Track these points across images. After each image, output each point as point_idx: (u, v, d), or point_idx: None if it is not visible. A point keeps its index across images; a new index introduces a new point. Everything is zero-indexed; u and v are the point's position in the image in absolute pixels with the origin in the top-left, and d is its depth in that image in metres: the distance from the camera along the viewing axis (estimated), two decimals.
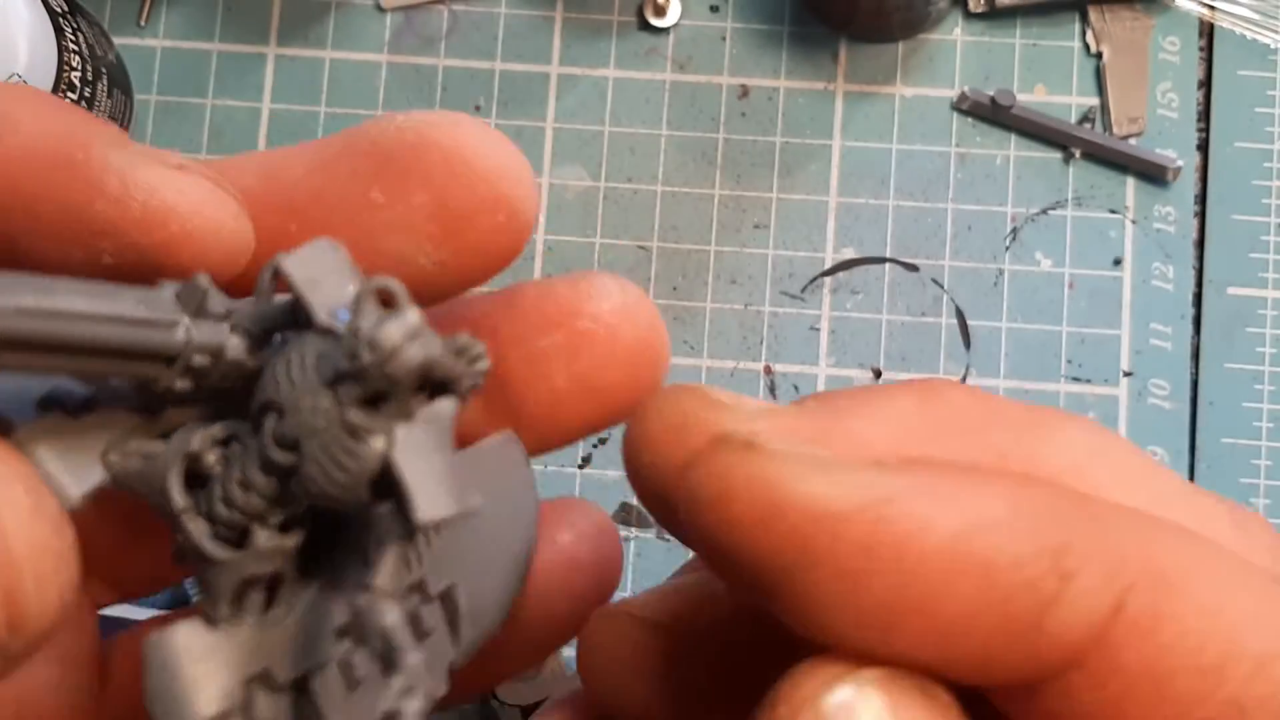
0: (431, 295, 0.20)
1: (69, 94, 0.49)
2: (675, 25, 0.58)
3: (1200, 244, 0.57)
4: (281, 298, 0.18)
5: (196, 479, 0.17)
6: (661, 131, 0.58)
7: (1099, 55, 0.58)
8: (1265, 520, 0.19)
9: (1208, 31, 0.58)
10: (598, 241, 0.57)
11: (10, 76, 0.46)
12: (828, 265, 0.57)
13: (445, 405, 0.17)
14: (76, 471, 0.17)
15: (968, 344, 0.56)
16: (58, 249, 0.18)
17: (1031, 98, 0.58)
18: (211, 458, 0.17)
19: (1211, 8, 0.57)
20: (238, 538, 0.17)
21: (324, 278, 0.17)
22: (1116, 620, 0.15)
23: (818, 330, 0.57)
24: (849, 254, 0.57)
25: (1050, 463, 0.17)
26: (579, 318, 0.21)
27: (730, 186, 0.58)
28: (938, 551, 0.15)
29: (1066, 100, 0.58)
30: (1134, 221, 0.57)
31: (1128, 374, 0.56)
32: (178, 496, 0.17)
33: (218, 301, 0.18)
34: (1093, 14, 0.58)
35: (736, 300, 0.57)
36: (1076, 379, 0.56)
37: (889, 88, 0.58)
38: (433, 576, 0.18)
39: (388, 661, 0.15)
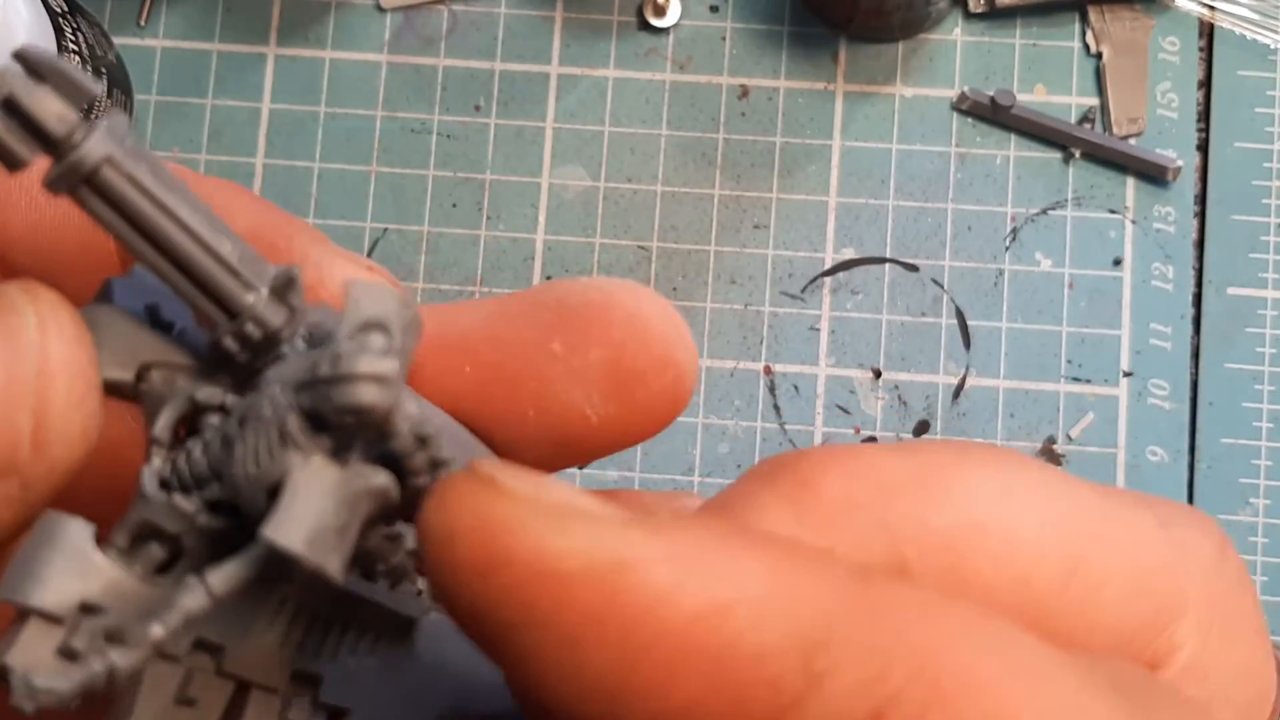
0: (589, 449, 0.21)
1: None
2: (675, 25, 0.58)
3: (1200, 244, 0.57)
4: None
5: (192, 431, 0.18)
6: (661, 131, 0.58)
7: (1099, 55, 0.58)
8: (1212, 528, 0.18)
9: (1208, 31, 0.58)
10: (597, 242, 0.57)
11: None
12: (828, 265, 0.57)
13: (378, 476, 0.16)
14: (118, 363, 0.18)
15: (968, 344, 0.56)
16: None
17: (1031, 98, 0.58)
18: (213, 419, 0.18)
19: (1211, 8, 0.57)
20: (177, 491, 0.17)
21: (372, 307, 0.17)
22: None
23: (818, 330, 0.57)
24: (849, 254, 0.57)
25: (946, 528, 0.16)
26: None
27: (730, 186, 0.58)
28: (670, 631, 0.13)
29: (1066, 100, 0.58)
30: (1134, 221, 0.57)
31: (1128, 374, 0.56)
32: (161, 426, 0.17)
33: (309, 310, 0.18)
34: (1093, 14, 0.58)
35: (736, 300, 0.57)
36: (1076, 379, 0.56)
37: (889, 88, 0.58)
38: (333, 686, 0.17)
39: (115, 632, 0.15)
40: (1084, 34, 0.58)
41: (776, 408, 0.56)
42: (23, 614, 0.16)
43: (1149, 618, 0.16)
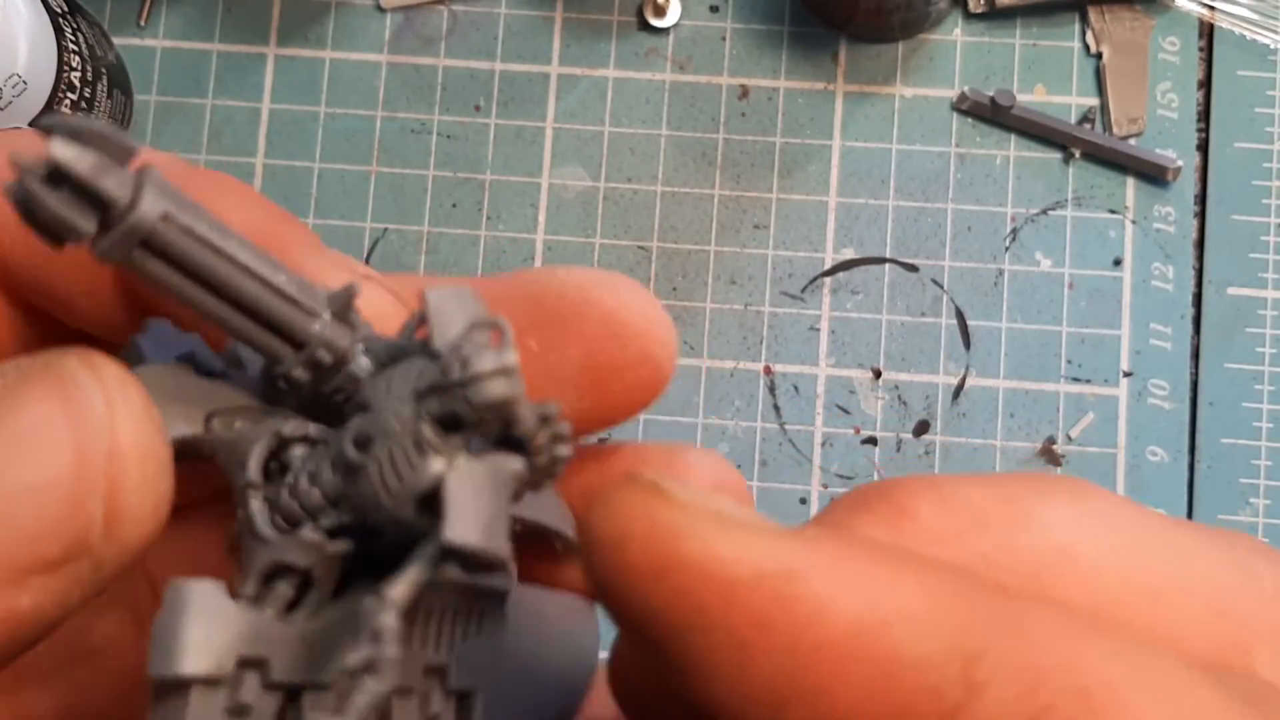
0: None
1: (69, 94, 0.49)
2: (675, 25, 0.58)
3: (1200, 244, 0.57)
4: (419, 340, 0.18)
5: (277, 467, 0.18)
6: (661, 132, 0.58)
7: (1099, 55, 0.58)
8: (1275, 555, 0.18)
9: (1208, 31, 0.58)
10: (597, 242, 0.57)
11: (10, 77, 0.46)
12: (828, 265, 0.57)
13: (513, 462, 0.17)
14: (183, 419, 0.18)
15: (967, 344, 0.56)
16: None
17: (1031, 98, 0.58)
18: (298, 451, 0.18)
19: (1211, 8, 0.57)
20: (289, 528, 0.17)
21: (456, 314, 0.17)
22: None
23: (818, 330, 0.57)
24: (849, 254, 0.57)
25: (1035, 553, 0.16)
26: None
27: (730, 186, 0.58)
28: (836, 639, 0.14)
29: (1066, 100, 0.58)
30: (1134, 221, 0.57)
31: (1128, 374, 0.56)
32: (254, 469, 0.18)
33: (362, 325, 0.18)
34: (1093, 14, 0.58)
35: (736, 300, 0.57)
36: (1076, 379, 0.56)
37: (889, 88, 0.58)
38: (457, 672, 0.18)
39: (367, 662, 0.15)
40: (1084, 34, 0.58)
41: (776, 408, 0.56)
42: (180, 685, 0.16)
43: (1229, 642, 0.17)
